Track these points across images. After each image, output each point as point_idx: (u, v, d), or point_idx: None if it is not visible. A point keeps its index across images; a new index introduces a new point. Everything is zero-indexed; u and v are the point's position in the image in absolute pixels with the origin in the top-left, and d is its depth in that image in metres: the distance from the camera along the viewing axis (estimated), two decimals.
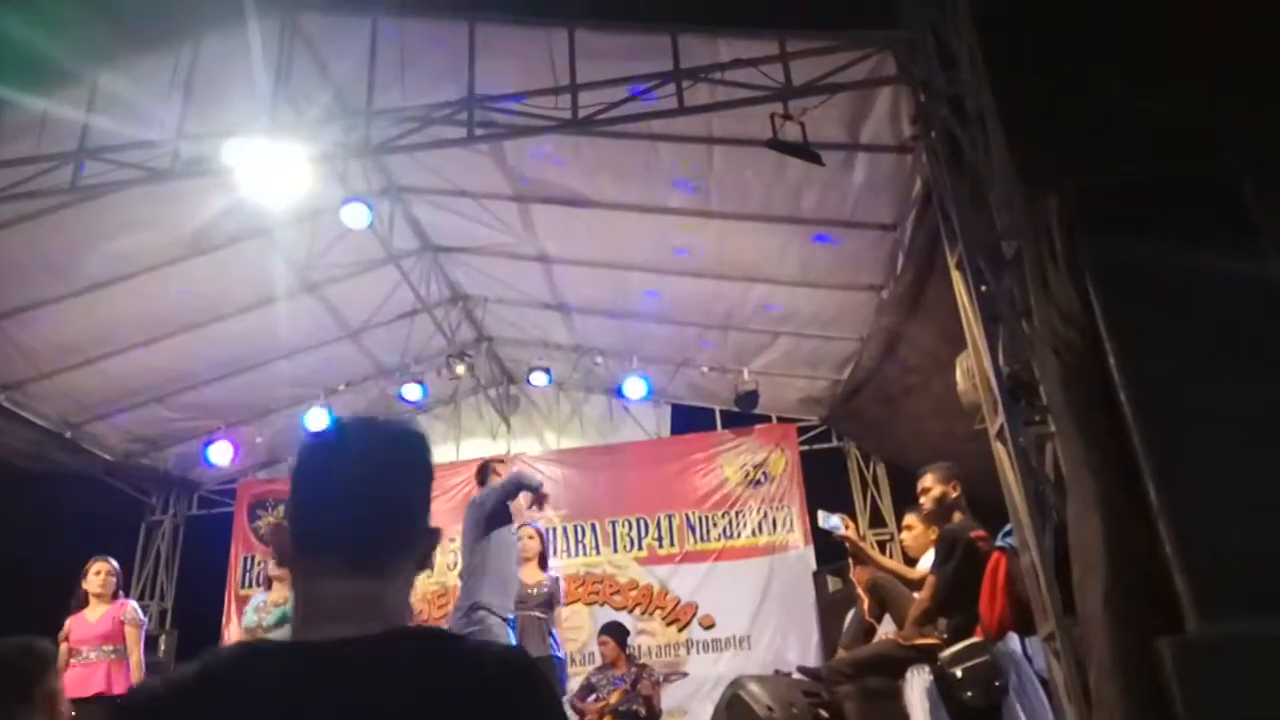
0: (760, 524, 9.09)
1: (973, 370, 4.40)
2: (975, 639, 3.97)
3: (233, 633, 8.83)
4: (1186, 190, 3.48)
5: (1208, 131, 3.92)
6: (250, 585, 9.16)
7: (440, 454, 9.88)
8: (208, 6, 5.24)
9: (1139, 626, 2.81)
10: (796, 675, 5.70)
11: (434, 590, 9.19)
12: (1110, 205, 3.22)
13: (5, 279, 6.39)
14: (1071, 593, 3.53)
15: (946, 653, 3.98)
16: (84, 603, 5.42)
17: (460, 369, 8.41)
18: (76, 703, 4.94)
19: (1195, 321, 3.09)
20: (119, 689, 5.16)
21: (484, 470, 5.83)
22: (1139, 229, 3.23)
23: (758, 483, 9.23)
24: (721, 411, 9.65)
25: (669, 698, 8.00)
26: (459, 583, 5.22)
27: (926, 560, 4.79)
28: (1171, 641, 2.75)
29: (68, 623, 5.36)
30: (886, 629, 4.76)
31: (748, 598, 8.81)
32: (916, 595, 4.35)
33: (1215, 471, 2.90)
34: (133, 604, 5.52)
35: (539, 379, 8.96)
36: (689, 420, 9.89)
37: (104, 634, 5.27)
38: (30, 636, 2.26)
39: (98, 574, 5.42)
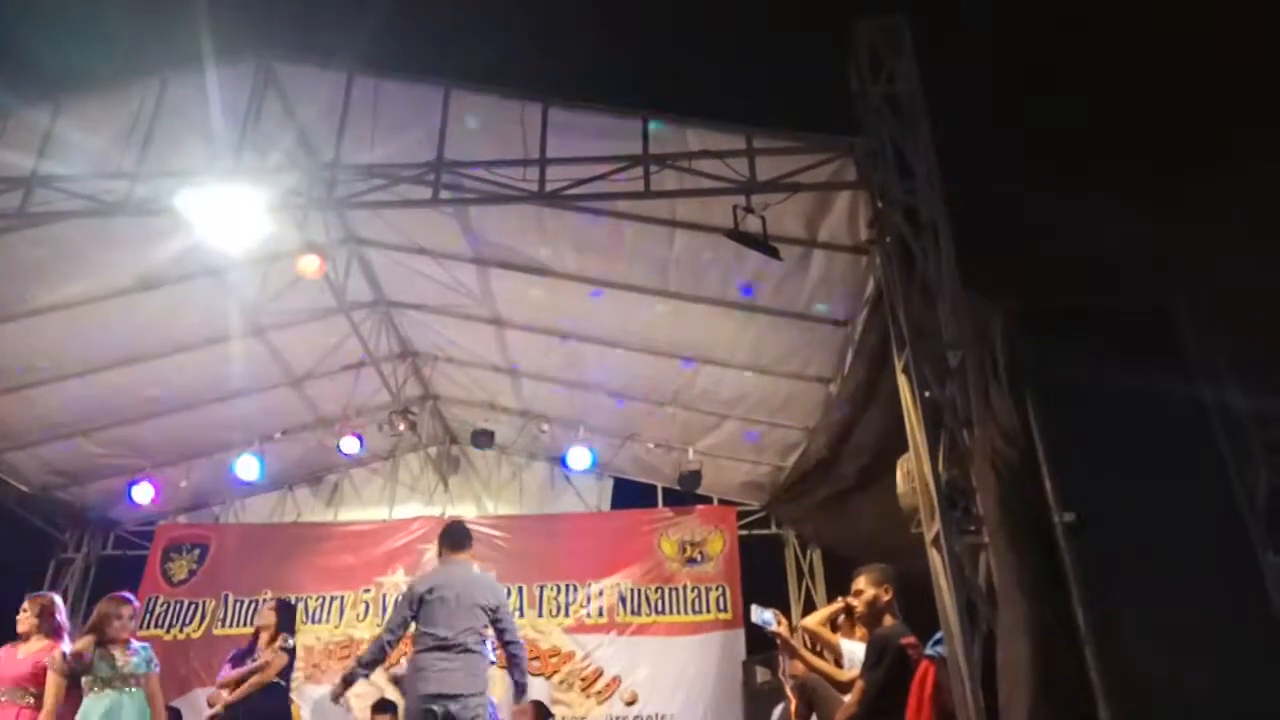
0: (693, 602, 8.98)
1: (913, 474, 4.44)
2: None
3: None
4: (1121, 315, 3.62)
5: (1143, 257, 4.10)
6: (153, 627, 8.75)
7: (374, 512, 9.70)
8: (179, 49, 5.24)
9: None
10: None
11: (339, 641, 8.87)
12: (1051, 328, 3.33)
13: None
14: (996, 708, 3.53)
15: None
16: (20, 639, 5.03)
17: (402, 426, 8.26)
18: None
19: (1130, 449, 3.17)
20: None
21: (463, 535, 5.46)
22: (1078, 353, 3.34)
23: (694, 560, 9.15)
24: (664, 489, 9.60)
25: None
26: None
27: (851, 648, 4.74)
28: None
29: None
30: None
31: (674, 676, 8.64)
32: (845, 698, 4.30)
33: (1144, 600, 2.95)
34: (60, 649, 4.98)
35: (482, 442, 8.85)
36: (630, 495, 9.83)
37: (19, 677, 4.85)
38: None
39: (22, 612, 5.06)
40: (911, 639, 4.12)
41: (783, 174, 5.03)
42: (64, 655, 4.91)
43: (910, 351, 4.44)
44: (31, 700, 4.85)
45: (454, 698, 4.65)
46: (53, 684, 4.88)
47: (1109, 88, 4.59)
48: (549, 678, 8.56)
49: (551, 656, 8.76)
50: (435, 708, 4.64)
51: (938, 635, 4.08)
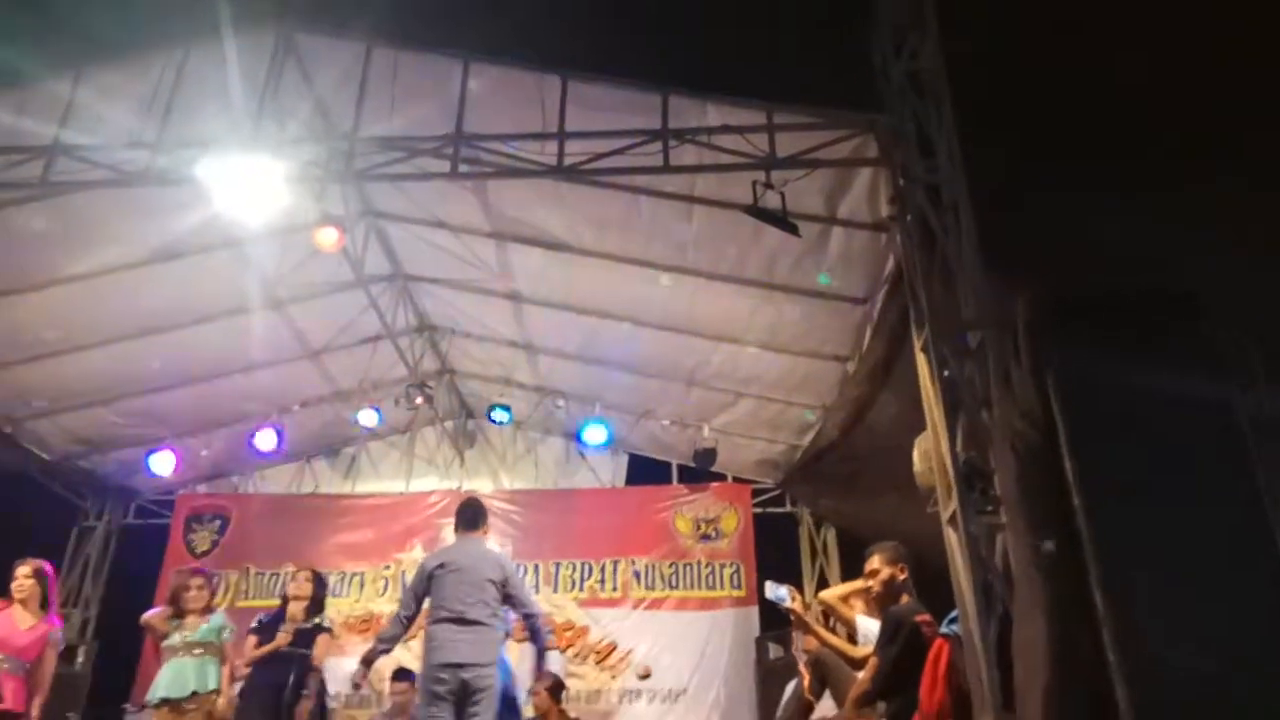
0: (708, 578, 9.03)
1: (930, 453, 4.43)
2: None
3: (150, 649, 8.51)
4: (1147, 304, 3.58)
5: (1169, 245, 4.04)
6: None
7: (391, 485, 9.77)
8: (200, 19, 5.22)
9: None
10: None
11: (359, 616, 8.98)
12: (1076, 313, 3.29)
13: None
14: (1012, 687, 3.53)
15: None
16: (11, 599, 5.12)
17: (419, 400, 8.30)
18: None
19: (1151, 432, 3.14)
20: (21, 707, 4.91)
21: (477, 513, 5.44)
22: (1101, 335, 3.31)
23: (708, 537, 9.20)
24: (679, 466, 9.62)
25: None
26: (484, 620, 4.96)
27: (866, 624, 4.75)
28: None
29: None
30: (825, 706, 4.71)
31: (688, 651, 8.72)
32: (859, 675, 4.31)
33: (1162, 584, 2.94)
34: (59, 628, 5.30)
35: (500, 416, 8.88)
36: (645, 471, 9.85)
37: (23, 647, 4.98)
38: None
39: (15, 579, 5.13)
40: (926, 617, 4.12)
41: (803, 150, 4.98)
42: (60, 633, 5.26)
43: (930, 330, 4.41)
44: (21, 671, 4.96)
45: (463, 666, 4.70)
46: (51, 661, 5.08)
47: (1141, 67, 4.49)
48: (563, 651, 8.62)
49: (566, 630, 8.84)
50: (446, 675, 4.70)
51: (953, 614, 4.08)
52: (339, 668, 8.54)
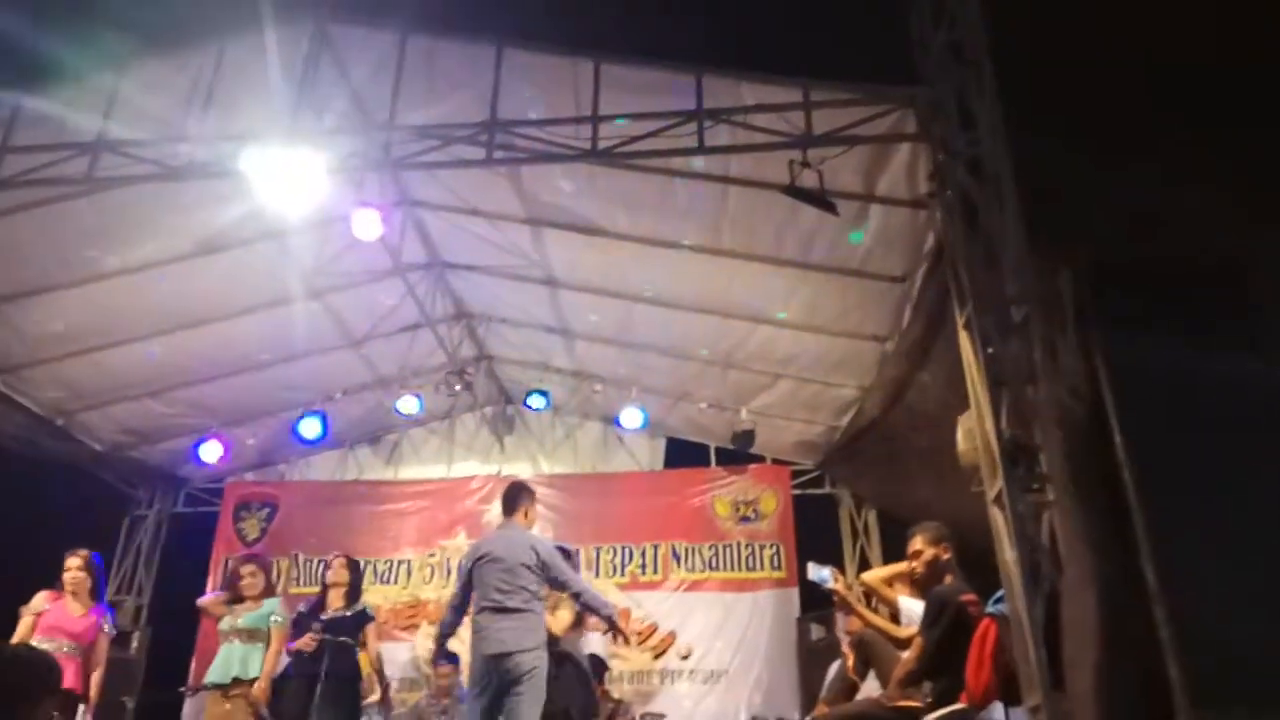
0: (747, 559, 9.05)
1: (974, 431, 4.37)
2: (959, 705, 3.90)
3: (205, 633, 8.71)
4: (1193, 276, 3.50)
5: (1215, 217, 3.94)
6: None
7: (432, 470, 9.88)
8: (235, 12, 5.27)
9: (1132, 712, 2.78)
10: None
11: (406, 603, 9.11)
12: (1123, 285, 3.23)
13: (11, 263, 6.38)
14: (1060, 666, 3.49)
15: (929, 717, 3.92)
16: (63, 588, 5.33)
17: (458, 387, 8.37)
18: None
19: (1201, 405, 3.08)
20: (80, 690, 5.13)
21: (516, 497, 5.44)
22: (1149, 309, 3.24)
23: (748, 519, 9.20)
24: (716, 448, 9.62)
25: None
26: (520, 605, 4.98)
27: (909, 605, 4.72)
28: None
29: (44, 597, 5.27)
30: (870, 687, 4.70)
31: (728, 632, 8.75)
32: (903, 655, 4.29)
33: (1215, 559, 2.89)
34: (110, 616, 5.49)
35: (537, 402, 8.93)
36: (683, 454, 9.86)
37: (76, 633, 5.20)
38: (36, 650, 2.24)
39: (67, 570, 5.34)
40: (971, 596, 4.09)
41: (840, 127, 4.92)
42: (112, 620, 5.47)
43: (973, 307, 4.34)
44: (78, 654, 5.18)
45: (505, 655, 4.77)
46: (104, 647, 5.24)
47: (1188, 33, 4.37)
48: (605, 632, 8.67)
49: None
50: (490, 666, 4.80)
51: (998, 594, 4.04)
52: (390, 654, 8.75)
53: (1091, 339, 3.12)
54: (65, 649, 5.09)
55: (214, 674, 5.46)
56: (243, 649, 5.48)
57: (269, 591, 5.82)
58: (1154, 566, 2.88)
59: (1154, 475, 3.00)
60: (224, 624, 5.61)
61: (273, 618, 5.62)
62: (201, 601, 6.00)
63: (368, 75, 5.78)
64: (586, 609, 5.23)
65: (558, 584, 5.14)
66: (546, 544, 5.23)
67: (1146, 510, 2.98)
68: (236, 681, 5.36)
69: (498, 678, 4.75)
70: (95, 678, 5.18)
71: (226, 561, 8.83)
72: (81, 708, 5.11)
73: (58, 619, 5.19)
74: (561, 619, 5.86)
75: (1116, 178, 4.35)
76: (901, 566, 4.70)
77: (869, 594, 5.05)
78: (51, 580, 5.38)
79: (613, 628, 5.19)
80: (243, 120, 5.34)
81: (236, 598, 5.67)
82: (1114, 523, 3.18)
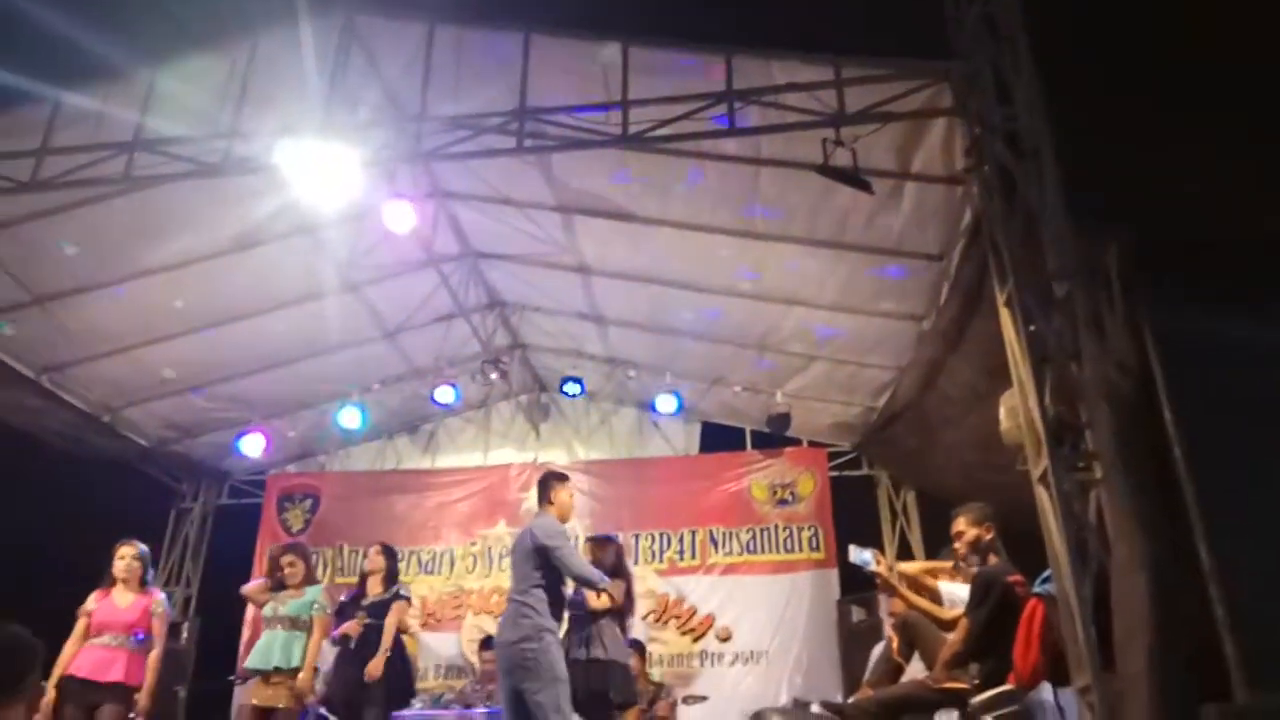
0: (785, 541, 9.03)
1: (1016, 410, 4.31)
2: (1007, 686, 3.87)
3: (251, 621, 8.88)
4: (1240, 249, 3.42)
5: (1262, 190, 3.84)
6: None
7: (469, 459, 9.96)
8: (266, 7, 5.31)
9: (1184, 692, 2.73)
10: (817, 709, 5.61)
11: (450, 592, 9.20)
12: (1169, 261, 3.15)
13: (54, 263, 6.50)
14: (1109, 645, 3.44)
15: (977, 699, 3.90)
16: (111, 583, 5.41)
17: (494, 375, 8.41)
18: (88, 683, 5.07)
19: (1252, 386, 3.01)
20: (135, 680, 5.19)
21: (542, 487, 5.36)
22: (1197, 288, 3.18)
23: (785, 502, 9.18)
24: (752, 432, 9.58)
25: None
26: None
27: (950, 589, 4.69)
28: (1219, 710, 2.66)
29: (93, 597, 5.36)
30: (914, 669, 4.67)
31: (767, 613, 8.75)
32: (948, 636, 4.26)
33: (1270, 538, 2.82)
34: (162, 596, 5.54)
35: (571, 389, 8.96)
36: (718, 438, 9.84)
37: (130, 623, 5.26)
38: (21, 628, 2.23)
39: (121, 559, 5.42)
40: (1018, 577, 4.05)
41: (873, 104, 4.84)
42: (164, 602, 5.49)
43: (1014, 284, 4.27)
44: (134, 645, 5.25)
45: (504, 644, 4.78)
46: (159, 630, 5.34)
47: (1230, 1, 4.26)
48: (644, 618, 8.73)
49: (647, 599, 8.92)
50: (499, 653, 4.86)
51: (1045, 573, 3.99)
52: (437, 643, 8.88)
53: (1140, 314, 3.05)
54: (115, 642, 5.20)
55: (256, 660, 5.55)
56: (285, 635, 5.58)
57: (310, 579, 5.91)
58: (1207, 545, 2.82)
59: (1205, 452, 2.94)
60: (267, 610, 5.72)
61: (315, 605, 5.70)
62: (246, 589, 6.11)
63: (398, 67, 5.80)
64: (577, 580, 5.13)
65: (562, 569, 4.98)
66: (546, 528, 5.00)
67: (1198, 488, 2.92)
68: (278, 670, 5.45)
69: (504, 664, 4.79)
70: (152, 658, 5.24)
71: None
72: (136, 696, 5.20)
73: (106, 614, 5.27)
74: (602, 600, 5.85)
75: (1159, 150, 4.25)
76: (939, 564, 4.67)
77: (910, 583, 5.01)
78: (101, 576, 5.47)
79: (600, 591, 5.22)
80: (276, 115, 5.37)
81: (279, 585, 5.76)
82: (1163, 500, 3.13)
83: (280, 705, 5.40)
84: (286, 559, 5.82)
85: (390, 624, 5.92)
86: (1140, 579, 2.96)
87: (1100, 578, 3.63)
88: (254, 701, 5.51)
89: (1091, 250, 3.48)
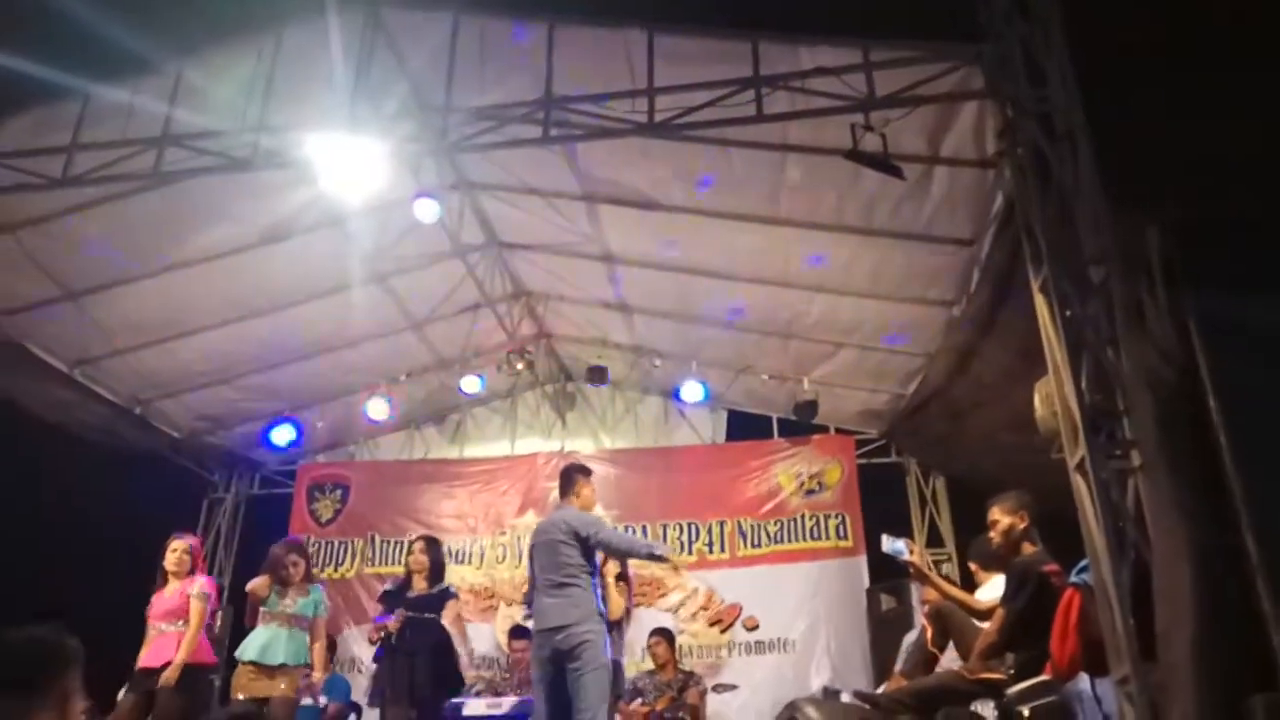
0: (812, 529, 8.97)
1: (1052, 397, 4.25)
2: (1044, 677, 3.83)
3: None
4: None
5: None
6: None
7: (496, 448, 9.99)
8: (291, 1, 5.31)
9: (1229, 683, 2.68)
10: (847, 698, 5.59)
11: (482, 584, 9.25)
12: (1212, 243, 3.07)
13: (86, 258, 6.57)
14: (1148, 635, 3.39)
15: (1013, 690, 3.86)
16: (164, 579, 5.60)
17: (520, 365, 8.42)
18: (145, 671, 5.31)
19: None
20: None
21: (565, 480, 5.45)
22: (1241, 272, 3.09)
23: (812, 491, 9.11)
24: (779, 420, 9.53)
25: (715, 709, 7.92)
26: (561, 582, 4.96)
27: (990, 586, 4.65)
28: (1266, 701, 2.61)
29: (152, 600, 5.57)
30: (948, 658, 4.64)
31: (794, 600, 8.69)
32: (983, 626, 4.22)
33: None
34: (202, 579, 5.64)
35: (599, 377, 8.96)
36: (745, 427, 9.79)
37: (173, 610, 5.43)
38: (49, 630, 2.23)
39: (173, 552, 5.61)
40: (1054, 566, 4.00)
41: (903, 87, 4.77)
42: (203, 584, 5.58)
43: (1049, 269, 4.20)
44: (183, 628, 5.40)
45: (554, 630, 4.82)
46: (194, 609, 5.44)
47: None
48: (675, 612, 8.74)
49: (676, 591, 8.92)
50: (542, 640, 4.89)
51: (1082, 563, 3.94)
52: (473, 633, 8.92)
53: (1183, 299, 2.98)
54: (165, 628, 5.41)
55: (253, 651, 5.52)
56: (288, 633, 5.62)
57: (309, 578, 5.99)
58: (1254, 536, 2.76)
59: (1252, 442, 2.87)
60: (272, 605, 5.70)
61: (319, 606, 5.83)
62: (251, 585, 5.94)
63: (423, 59, 5.78)
64: (627, 557, 5.20)
65: (605, 549, 5.16)
66: (582, 517, 5.16)
67: (1244, 477, 2.86)
68: (284, 666, 5.51)
69: (551, 651, 4.81)
70: (186, 635, 5.34)
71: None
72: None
73: (157, 606, 5.50)
74: (616, 604, 5.94)
75: (1198, 129, 4.15)
76: (970, 599, 4.55)
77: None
78: (140, 567, 5.63)
79: (659, 559, 5.25)
80: (303, 108, 5.38)
81: (282, 581, 5.78)
82: (1207, 489, 3.07)
83: (275, 695, 5.46)
84: (291, 557, 5.88)
85: (448, 621, 6.00)
86: (1185, 570, 2.91)
87: (1139, 566, 3.58)
88: (250, 695, 5.47)
89: (1130, 233, 3.41)
